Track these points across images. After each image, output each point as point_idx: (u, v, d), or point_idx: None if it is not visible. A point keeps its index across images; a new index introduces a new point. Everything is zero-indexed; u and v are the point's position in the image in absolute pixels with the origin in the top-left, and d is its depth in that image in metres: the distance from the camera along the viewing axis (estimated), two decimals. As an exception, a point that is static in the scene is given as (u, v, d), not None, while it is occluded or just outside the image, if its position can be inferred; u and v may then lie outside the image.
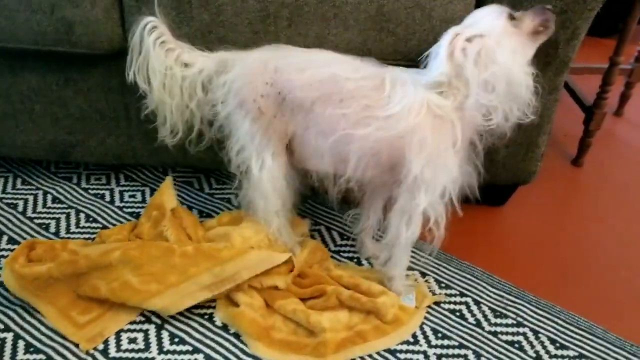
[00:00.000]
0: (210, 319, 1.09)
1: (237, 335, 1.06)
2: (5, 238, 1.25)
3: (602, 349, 1.10)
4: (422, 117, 1.00)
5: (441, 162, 1.02)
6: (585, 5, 1.12)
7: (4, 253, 1.21)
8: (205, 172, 1.49)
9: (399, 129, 1.00)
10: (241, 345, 1.05)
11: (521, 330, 1.12)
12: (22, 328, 1.05)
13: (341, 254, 1.28)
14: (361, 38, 1.14)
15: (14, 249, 1.18)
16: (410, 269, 1.23)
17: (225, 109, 1.09)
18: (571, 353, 1.08)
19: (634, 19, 1.59)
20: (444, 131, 1.02)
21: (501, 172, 1.33)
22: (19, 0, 1.11)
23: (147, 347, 1.04)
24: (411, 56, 1.15)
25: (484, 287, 1.21)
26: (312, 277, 1.16)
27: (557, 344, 1.10)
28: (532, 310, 1.17)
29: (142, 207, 1.36)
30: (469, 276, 1.24)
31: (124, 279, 1.06)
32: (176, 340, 1.05)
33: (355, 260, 1.26)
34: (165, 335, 1.06)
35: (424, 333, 1.10)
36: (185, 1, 1.12)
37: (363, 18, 1.12)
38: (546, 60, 1.18)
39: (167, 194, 1.33)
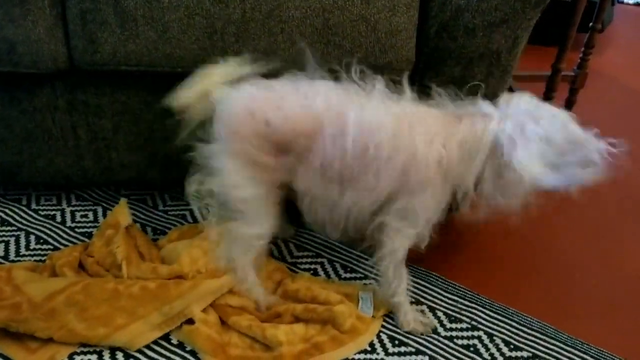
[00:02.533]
0: (166, 337, 1.08)
1: (193, 353, 1.05)
2: (-50, 264, 1.21)
3: (555, 348, 1.13)
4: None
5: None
6: (525, 15, 1.16)
7: (-51, 280, 1.16)
8: (159, 189, 1.48)
9: None
10: (198, 363, 1.04)
11: (476, 333, 1.14)
12: (-32, 357, 1.02)
13: (298, 265, 1.28)
14: (309, 52, 1.16)
15: (-41, 276, 1.15)
16: (366, 277, 1.25)
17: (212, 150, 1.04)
18: (525, 354, 1.11)
19: (574, 27, 1.65)
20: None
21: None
22: (-42, 21, 1.09)
23: (101, 370, 1.02)
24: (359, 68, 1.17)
25: (439, 293, 1.23)
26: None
27: (511, 346, 1.12)
28: (486, 314, 1.19)
29: (94, 227, 1.33)
30: (424, 283, 1.25)
31: (69, 327, 1.02)
32: (131, 361, 1.04)
33: (311, 271, 1.27)
34: (120, 356, 1.04)
35: (380, 341, 1.11)
36: (131, 18, 1.11)
37: (310, 32, 1.13)
38: (489, 69, 1.21)
39: (122, 212, 1.32)
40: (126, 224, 1.25)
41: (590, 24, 1.80)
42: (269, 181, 1.04)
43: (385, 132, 0.98)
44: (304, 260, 1.30)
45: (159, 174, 1.36)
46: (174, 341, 1.07)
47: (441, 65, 1.22)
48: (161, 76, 1.19)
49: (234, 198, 1.04)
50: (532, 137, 0.94)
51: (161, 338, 1.07)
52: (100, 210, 1.40)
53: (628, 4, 3.17)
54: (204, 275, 1.14)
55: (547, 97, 1.69)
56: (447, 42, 1.19)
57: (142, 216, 1.39)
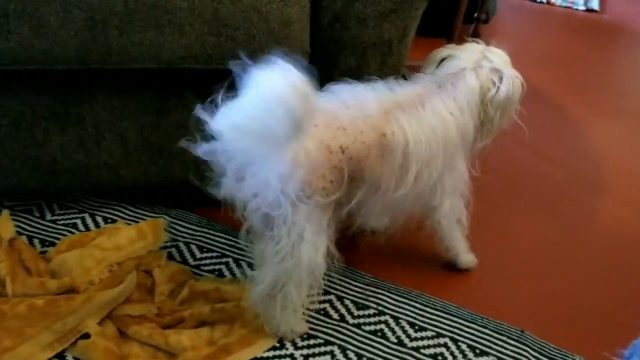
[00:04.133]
0: (61, 355, 1.00)
1: (91, 369, 0.98)
2: None
3: (457, 325, 1.16)
4: None
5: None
6: (412, 4, 1.18)
7: None
8: (46, 198, 1.37)
9: None
10: (97, 379, 0.97)
11: (383, 318, 1.16)
12: None
13: (201, 267, 1.23)
14: (200, 44, 1.11)
15: None
16: (273, 274, 1.23)
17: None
18: (429, 334, 1.14)
19: (460, 17, 1.72)
20: None
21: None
22: None
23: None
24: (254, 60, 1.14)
25: (347, 282, 1.24)
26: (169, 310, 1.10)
27: (416, 327, 1.15)
28: (391, 298, 1.21)
29: (-27, 244, 1.21)
30: (332, 274, 1.25)
31: None
32: (23, 384, 0.95)
33: (217, 272, 1.23)
34: (10, 380, 0.95)
35: (290, 337, 1.10)
36: (1, 13, 1.02)
37: (199, 23, 1.09)
38: (383, 58, 1.23)
39: (4, 225, 1.21)
40: (9, 237, 1.15)
41: (475, 15, 1.89)
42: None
43: (440, 127, 1.04)
44: (208, 261, 1.26)
45: (43, 181, 1.26)
46: (69, 358, 1.00)
47: (337, 55, 1.22)
48: (42, 74, 1.11)
49: (304, 261, 0.94)
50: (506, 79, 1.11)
51: (56, 356, 0.99)
52: (-21, 224, 1.28)
53: (510, -4, 3.36)
54: (97, 287, 1.07)
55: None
56: (341, 32, 1.19)
57: (29, 228, 1.28)
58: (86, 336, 1.01)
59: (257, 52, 1.11)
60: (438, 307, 1.20)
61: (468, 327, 1.16)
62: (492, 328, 1.16)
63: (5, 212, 1.26)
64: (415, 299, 1.21)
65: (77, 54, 1.08)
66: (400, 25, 1.19)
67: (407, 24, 1.20)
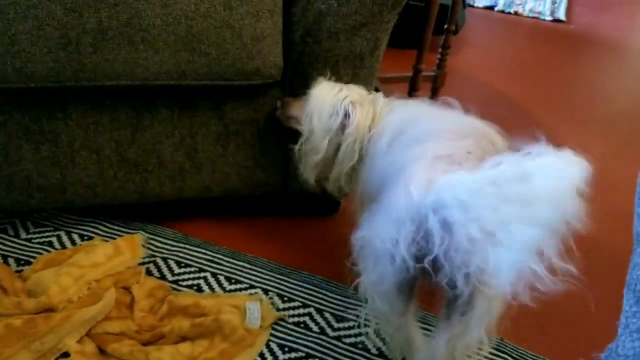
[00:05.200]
0: (39, 376, 0.99)
1: (70, 389, 0.98)
2: None
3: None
4: None
5: None
6: (383, 17, 1.20)
7: None
8: (20, 216, 1.36)
9: None
10: (76, 399, 0.96)
11: (363, 330, 1.17)
12: None
13: (180, 282, 1.23)
14: (173, 61, 1.12)
15: None
16: (252, 287, 1.23)
17: None
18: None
19: (430, 29, 1.75)
20: None
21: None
22: None
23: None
24: (227, 75, 1.15)
25: (325, 294, 1.25)
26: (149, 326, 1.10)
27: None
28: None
29: (-55, 265, 1.19)
30: (310, 286, 1.26)
31: None
32: (-3, 408, 0.94)
33: (195, 287, 1.22)
34: (-17, 404, 0.94)
35: (270, 350, 1.10)
36: (-29, 32, 1.01)
37: (173, 40, 1.10)
38: (355, 71, 1.25)
39: (-22, 245, 1.19)
40: (-17, 258, 1.14)
41: (445, 26, 1.93)
42: None
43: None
44: (186, 276, 1.25)
45: (18, 199, 1.25)
46: (48, 378, 0.99)
47: (309, 69, 1.24)
48: (14, 93, 1.10)
49: None
50: None
51: (33, 377, 0.98)
52: (-49, 245, 1.26)
53: (478, 7, 3.44)
54: (76, 305, 1.06)
55: (410, 96, 1.78)
56: (313, 46, 1.20)
57: (3, 247, 1.26)
58: (66, 355, 1.00)
59: (230, 68, 1.14)
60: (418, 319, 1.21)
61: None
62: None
63: (-21, 230, 1.24)
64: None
65: (50, 72, 1.07)
66: (372, 38, 1.21)
67: (378, 36, 1.22)
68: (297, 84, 1.24)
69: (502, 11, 3.39)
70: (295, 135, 1.14)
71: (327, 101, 1.08)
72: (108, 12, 1.05)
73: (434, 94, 2.15)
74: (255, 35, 1.14)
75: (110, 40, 1.07)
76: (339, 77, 1.24)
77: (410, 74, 1.80)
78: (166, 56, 1.11)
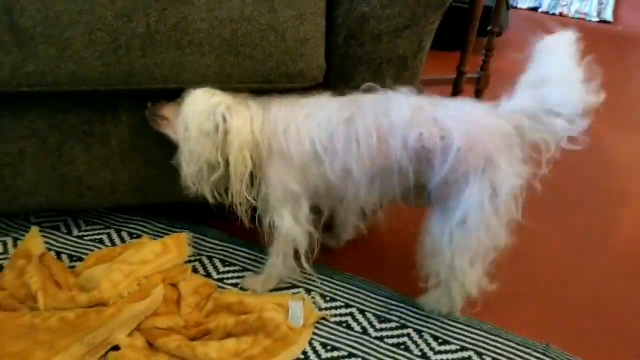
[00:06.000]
0: (92, 367, 1.02)
1: (120, 381, 1.01)
2: None
3: (482, 339, 1.17)
4: None
5: None
6: (427, 19, 1.20)
7: None
8: (72, 214, 1.41)
9: None
10: (125, 391, 0.99)
11: (405, 331, 1.17)
12: None
13: (224, 281, 1.26)
14: (219, 64, 1.14)
15: None
16: (295, 286, 1.24)
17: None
18: (452, 347, 1.14)
19: (474, 31, 1.74)
20: None
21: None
22: None
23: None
24: (271, 78, 1.17)
25: (368, 295, 1.25)
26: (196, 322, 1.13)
27: (440, 340, 1.15)
28: (414, 312, 1.21)
29: (4, 259, 1.25)
30: (352, 287, 1.26)
31: None
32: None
33: (239, 286, 1.25)
34: (39, 394, 0.98)
35: (313, 348, 1.11)
36: (28, 37, 1.06)
37: (218, 43, 1.12)
38: (398, 74, 1.25)
39: (34, 242, 1.25)
40: (39, 253, 1.19)
41: (489, 28, 1.91)
42: None
43: None
44: (231, 275, 1.28)
45: (71, 198, 1.30)
46: (100, 370, 1.02)
47: (352, 72, 1.24)
48: (67, 96, 1.14)
49: None
50: None
51: (86, 368, 1.02)
52: (10, 241, 1.32)
53: (522, 8, 3.38)
54: (126, 300, 1.10)
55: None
56: (356, 49, 1.21)
57: (57, 244, 1.32)
58: (116, 348, 1.04)
59: (274, 70, 1.16)
60: (461, 321, 1.20)
61: (493, 340, 1.16)
62: (517, 342, 1.16)
63: (35, 228, 1.30)
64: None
65: (101, 76, 1.12)
66: (415, 40, 1.21)
67: (421, 39, 1.22)
68: (340, 86, 1.25)
69: (547, 12, 3.32)
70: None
71: (201, 107, 1.07)
72: (156, 17, 1.08)
73: (477, 96, 2.12)
74: (299, 38, 1.15)
75: (158, 44, 1.11)
76: (382, 79, 1.24)
77: (453, 76, 1.78)
78: (212, 59, 1.14)
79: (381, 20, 1.17)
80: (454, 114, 1.01)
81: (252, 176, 1.10)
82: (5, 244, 1.31)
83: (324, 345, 1.11)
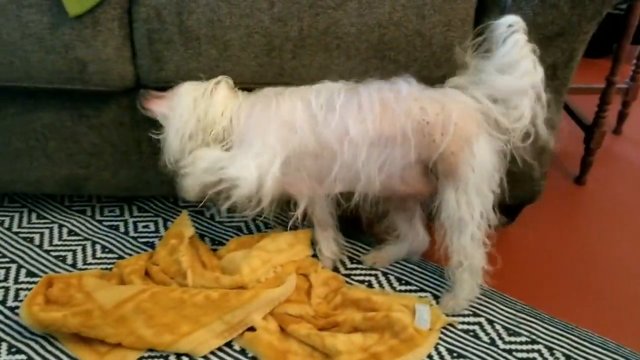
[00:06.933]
0: (229, 344, 1.10)
1: (255, 359, 1.08)
2: (23, 271, 1.27)
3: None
4: None
5: None
6: (581, 28, 1.16)
7: (23, 286, 1.23)
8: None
9: None
10: (259, 369, 1.07)
11: (536, 347, 1.13)
12: (43, 358, 1.06)
13: (352, 277, 1.29)
14: (363, 66, 1.18)
15: (31, 282, 1.22)
16: (422, 290, 1.25)
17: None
18: (585, 368, 1.09)
19: (628, 39, 1.63)
20: None
21: (508, 191, 1.35)
22: (34, 42, 1.16)
23: (167, 373, 1.06)
24: (413, 82, 1.18)
25: (496, 306, 1.23)
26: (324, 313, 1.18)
27: (572, 359, 1.11)
28: (545, 328, 1.18)
29: (156, 237, 1.38)
30: (481, 296, 1.25)
31: (138, 333, 1.07)
32: (196, 365, 1.07)
33: (366, 283, 1.28)
34: (185, 361, 1.08)
35: (439, 353, 1.11)
36: (194, 37, 1.16)
37: (365, 47, 1.16)
38: (546, 82, 1.21)
39: (185, 224, 1.36)
40: (189, 235, 1.30)
41: (644, 35, 1.78)
42: None
43: None
44: (358, 272, 1.31)
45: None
46: (237, 347, 1.10)
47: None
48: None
49: None
50: None
51: (224, 345, 1.10)
52: (160, 221, 1.45)
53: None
54: (263, 285, 1.17)
55: (601, 109, 1.67)
56: (503, 55, 1.19)
57: (200, 227, 1.43)
58: (251, 329, 1.11)
59: (416, 74, 1.17)
60: (595, 342, 1.15)
61: (628, 364, 1.10)
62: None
63: (185, 212, 1.42)
64: (571, 331, 1.17)
65: (254, 75, 1.20)
66: (567, 49, 1.17)
67: (574, 47, 1.17)
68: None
69: None
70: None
71: (192, 86, 1.15)
72: (309, 21, 1.14)
73: (624, 107, 1.99)
74: (445, 43, 1.16)
75: (308, 47, 1.16)
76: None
77: (600, 85, 1.69)
78: (357, 62, 1.18)
79: (532, 27, 1.13)
80: (445, 95, 1.11)
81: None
82: (156, 224, 1.45)
83: (450, 351, 1.11)
